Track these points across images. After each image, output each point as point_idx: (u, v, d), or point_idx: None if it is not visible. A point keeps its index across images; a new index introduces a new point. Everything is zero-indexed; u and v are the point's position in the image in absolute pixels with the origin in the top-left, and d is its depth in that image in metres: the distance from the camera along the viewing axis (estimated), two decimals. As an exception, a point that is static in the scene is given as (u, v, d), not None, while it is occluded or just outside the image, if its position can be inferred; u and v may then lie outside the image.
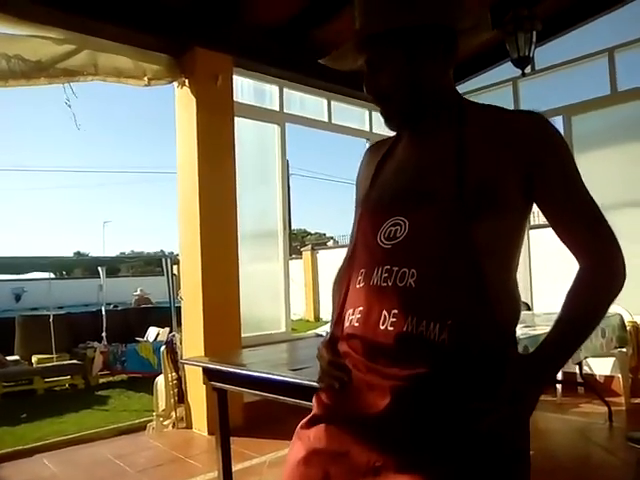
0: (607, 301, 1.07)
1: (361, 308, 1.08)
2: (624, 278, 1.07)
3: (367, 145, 5.61)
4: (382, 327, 1.03)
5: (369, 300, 1.07)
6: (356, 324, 1.08)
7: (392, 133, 1.32)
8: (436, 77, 1.12)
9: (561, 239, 1.09)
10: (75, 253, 38.49)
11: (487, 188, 1.02)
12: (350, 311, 1.11)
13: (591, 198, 1.07)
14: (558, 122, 5.00)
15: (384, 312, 1.03)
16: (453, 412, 0.99)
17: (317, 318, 15.77)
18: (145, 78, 4.03)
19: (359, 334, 1.08)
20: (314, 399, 1.20)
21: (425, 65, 1.09)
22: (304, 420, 1.18)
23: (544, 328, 3.12)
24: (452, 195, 1.03)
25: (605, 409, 4.11)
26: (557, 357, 1.06)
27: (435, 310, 1.01)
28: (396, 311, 1.02)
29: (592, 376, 4.77)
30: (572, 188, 1.07)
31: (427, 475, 0.96)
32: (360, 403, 1.05)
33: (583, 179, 1.08)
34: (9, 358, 8.21)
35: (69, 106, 3.78)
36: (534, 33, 4.22)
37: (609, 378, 4.74)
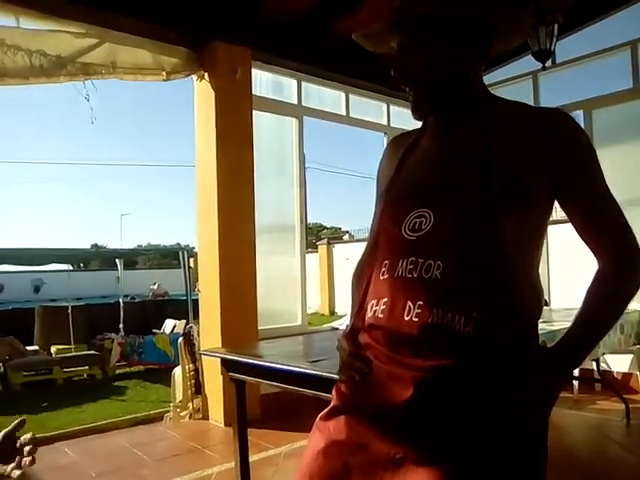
0: (627, 298, 1.08)
1: (385, 299, 1.08)
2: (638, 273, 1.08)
3: (385, 139, 5.60)
4: (407, 318, 1.03)
5: (393, 291, 1.07)
6: (380, 315, 1.08)
7: (411, 127, 1.32)
8: (468, 69, 1.12)
9: (581, 237, 1.11)
10: (93, 245, 38.91)
11: (514, 182, 1.03)
12: (373, 302, 1.11)
13: (612, 197, 1.09)
14: (579, 116, 4.94)
15: (409, 303, 1.04)
16: (476, 404, 1.00)
17: (332, 312, 15.80)
18: (163, 72, 4.06)
19: (382, 325, 1.08)
20: (334, 390, 1.20)
21: (459, 55, 1.10)
22: (324, 412, 1.18)
23: (562, 324, 3.11)
24: (478, 188, 1.03)
25: (622, 406, 4.08)
26: (578, 351, 1.07)
27: (460, 302, 1.01)
28: (421, 302, 1.02)
29: (610, 373, 4.72)
30: (596, 188, 1.09)
31: (448, 467, 0.97)
32: (381, 394, 1.06)
33: (605, 176, 1.09)
34: (29, 348, 8.35)
35: (88, 100, 3.82)
36: (556, 26, 4.16)
37: (627, 375, 4.70)
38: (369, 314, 1.12)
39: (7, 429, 1.20)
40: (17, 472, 1.14)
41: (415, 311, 1.02)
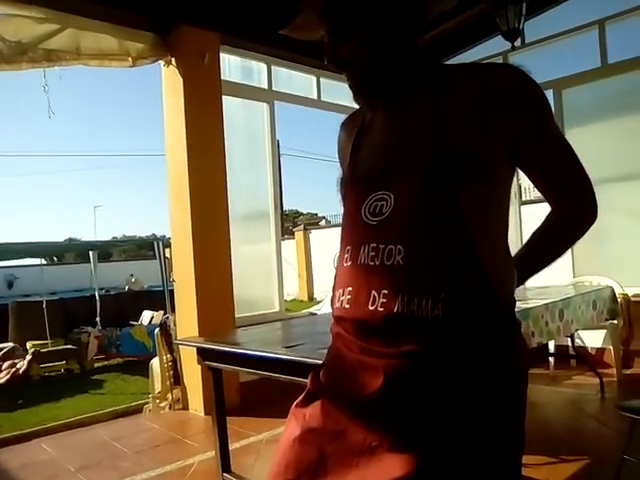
0: (573, 242, 1.16)
1: (350, 288, 1.06)
2: (594, 218, 1.14)
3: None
4: (371, 308, 1.01)
5: (357, 280, 1.05)
6: (347, 305, 1.06)
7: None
8: (405, 43, 1.08)
9: (539, 188, 1.13)
10: (66, 239, 38.27)
11: (469, 154, 1.00)
12: (340, 291, 1.09)
13: (567, 143, 1.09)
14: (548, 95, 4.93)
15: (373, 292, 1.01)
16: (448, 388, 0.98)
17: (311, 298, 15.82)
18: (129, 58, 3.97)
19: (350, 316, 1.06)
20: (310, 376, 1.19)
21: (392, 32, 1.06)
22: (299, 399, 1.17)
23: (536, 301, 3.15)
24: (434, 165, 1.00)
25: (597, 380, 4.16)
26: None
27: (426, 286, 0.98)
28: (386, 291, 1.00)
29: (584, 348, 4.82)
30: (554, 136, 1.08)
31: (422, 451, 0.96)
32: (355, 383, 1.05)
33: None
34: (4, 345, 8.21)
35: (46, 91, 3.72)
36: (524, 5, 4.18)
37: (600, 350, 4.80)
38: (337, 304, 1.10)
39: None
40: (3, 379, 1.14)
41: (380, 300, 1.00)
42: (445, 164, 0.99)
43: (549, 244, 1.17)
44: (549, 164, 1.09)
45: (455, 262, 0.99)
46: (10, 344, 8.47)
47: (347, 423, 1.04)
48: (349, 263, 1.08)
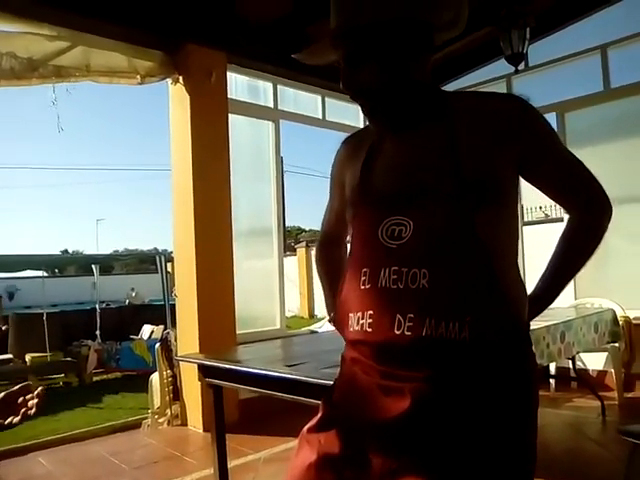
0: (595, 247, 1.20)
1: (371, 312, 1.05)
2: (610, 220, 1.21)
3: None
4: (398, 332, 1.00)
5: (379, 303, 1.04)
6: (369, 329, 1.04)
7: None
8: (417, 70, 1.10)
9: (552, 198, 1.19)
10: (63, 251, 38.29)
11: (484, 180, 1.03)
12: (359, 314, 1.07)
13: (575, 157, 1.15)
14: (551, 119, 5.01)
15: (398, 316, 1.01)
16: (475, 409, 1.00)
17: (312, 315, 15.78)
18: (138, 76, 4.01)
19: (371, 340, 1.05)
20: (322, 401, 1.18)
21: (406, 59, 1.07)
22: (311, 423, 1.16)
23: (537, 323, 3.15)
24: (452, 190, 1.02)
25: (598, 403, 4.14)
26: (550, 299, 1.23)
27: (452, 309, 0.99)
28: (412, 315, 1.00)
29: (585, 371, 4.80)
30: (559, 154, 1.14)
31: (444, 473, 0.97)
32: (375, 408, 1.04)
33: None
34: (3, 357, 8.19)
35: (55, 106, 3.77)
36: (528, 30, 4.23)
37: (602, 373, 4.77)
38: (355, 327, 1.08)
39: (11, 389, 1.23)
40: (17, 419, 1.16)
41: (407, 324, 1.00)
42: (462, 190, 1.01)
43: (574, 248, 1.21)
44: (558, 170, 1.14)
45: (478, 285, 1.01)
46: (9, 355, 8.47)
47: (366, 448, 1.03)
48: (368, 286, 1.06)
